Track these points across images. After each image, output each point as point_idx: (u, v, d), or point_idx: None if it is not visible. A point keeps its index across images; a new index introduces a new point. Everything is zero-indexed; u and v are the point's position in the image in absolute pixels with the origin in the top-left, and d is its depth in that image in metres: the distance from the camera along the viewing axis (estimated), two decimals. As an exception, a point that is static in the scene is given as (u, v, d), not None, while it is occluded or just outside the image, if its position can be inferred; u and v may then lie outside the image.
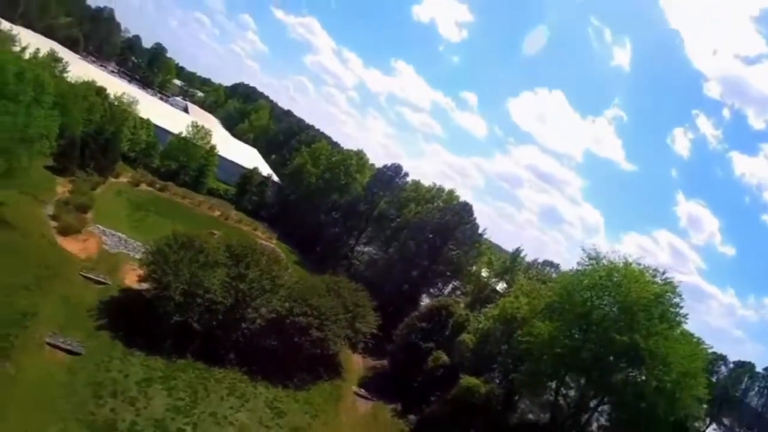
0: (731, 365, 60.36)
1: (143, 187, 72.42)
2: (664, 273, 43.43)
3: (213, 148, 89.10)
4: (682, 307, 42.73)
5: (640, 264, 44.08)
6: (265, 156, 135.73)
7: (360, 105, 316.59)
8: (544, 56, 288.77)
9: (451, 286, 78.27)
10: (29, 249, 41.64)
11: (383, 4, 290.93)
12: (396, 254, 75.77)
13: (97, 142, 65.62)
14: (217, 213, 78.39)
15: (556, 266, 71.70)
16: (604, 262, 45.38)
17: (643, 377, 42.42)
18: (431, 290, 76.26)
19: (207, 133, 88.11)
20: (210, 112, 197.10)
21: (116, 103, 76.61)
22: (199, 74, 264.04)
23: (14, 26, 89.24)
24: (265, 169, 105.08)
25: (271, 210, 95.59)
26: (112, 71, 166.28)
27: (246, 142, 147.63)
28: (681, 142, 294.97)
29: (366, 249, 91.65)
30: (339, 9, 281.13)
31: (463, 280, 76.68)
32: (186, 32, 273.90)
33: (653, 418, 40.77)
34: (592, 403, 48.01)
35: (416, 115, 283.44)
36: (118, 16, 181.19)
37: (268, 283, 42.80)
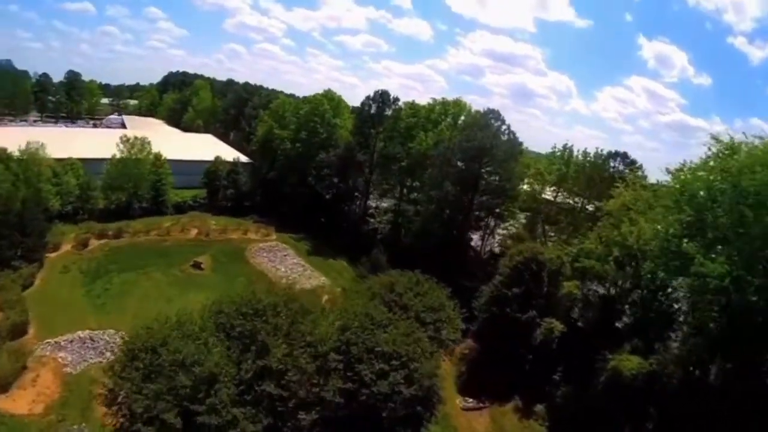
0: None
1: (94, 243, 56.23)
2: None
3: (158, 156, 71.83)
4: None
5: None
6: (224, 139, 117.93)
7: (297, 50, 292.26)
8: None
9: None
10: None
11: None
12: (426, 200, 60.76)
13: (8, 224, 48.77)
14: (194, 232, 62.76)
15: (627, 159, 55.64)
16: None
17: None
18: (481, 232, 62.07)
19: (143, 142, 70.48)
20: (150, 115, 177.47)
21: (23, 158, 59.10)
22: (126, 84, 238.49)
23: None
24: (229, 154, 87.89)
25: (254, 197, 79.63)
26: (35, 121, 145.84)
27: (198, 131, 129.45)
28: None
29: (382, 204, 76.37)
30: None
31: (513, 207, 61.69)
32: (101, 50, 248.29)
33: None
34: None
35: (356, 38, 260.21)
36: (22, 65, 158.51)
37: (307, 357, 26.47)
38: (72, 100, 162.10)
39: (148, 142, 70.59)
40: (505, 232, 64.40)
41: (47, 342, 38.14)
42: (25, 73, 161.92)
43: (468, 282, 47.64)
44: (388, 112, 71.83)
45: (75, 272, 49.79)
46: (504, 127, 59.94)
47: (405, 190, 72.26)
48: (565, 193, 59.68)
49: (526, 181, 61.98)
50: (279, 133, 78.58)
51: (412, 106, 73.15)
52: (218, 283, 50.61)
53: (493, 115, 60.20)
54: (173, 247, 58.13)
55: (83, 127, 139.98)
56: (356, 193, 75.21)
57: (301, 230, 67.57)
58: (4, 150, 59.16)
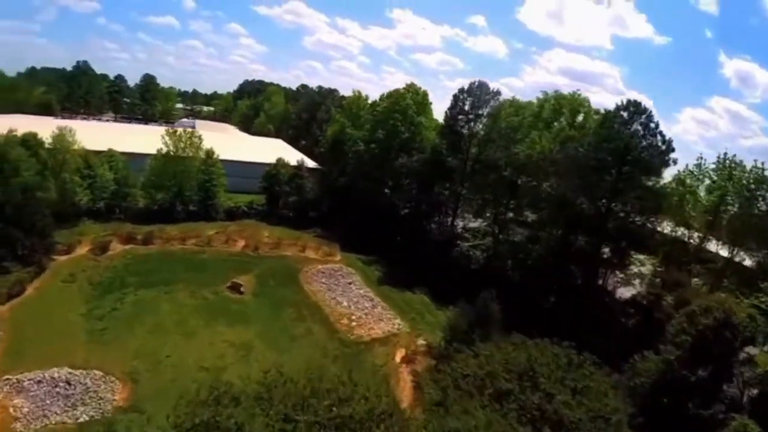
0: None
1: (116, 248, 45.51)
2: None
3: (210, 153, 61.01)
4: None
5: None
6: (295, 144, 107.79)
7: (373, 67, 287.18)
8: None
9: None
10: None
11: None
12: (540, 222, 45.59)
13: (2, 217, 38.62)
14: (240, 244, 50.57)
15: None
16: None
17: None
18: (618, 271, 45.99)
19: (192, 137, 60.02)
20: (224, 121, 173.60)
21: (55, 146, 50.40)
22: (204, 92, 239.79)
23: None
24: (295, 157, 76.27)
25: (320, 206, 66.94)
26: (107, 120, 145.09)
27: (268, 136, 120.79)
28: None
29: (471, 224, 61.19)
30: None
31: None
32: (186, 63, 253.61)
33: None
34: None
35: (431, 56, 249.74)
36: (104, 69, 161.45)
37: None
38: (146, 102, 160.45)
39: (198, 137, 60.02)
40: (636, 270, 47.55)
41: (6, 379, 27.34)
42: (104, 76, 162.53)
43: (595, 336, 32.13)
44: (485, 111, 56.96)
45: (82, 282, 39.25)
46: (652, 125, 43.71)
47: (504, 208, 56.70)
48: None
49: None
50: (352, 132, 65.94)
51: (514, 102, 57.91)
52: (258, 313, 38.37)
53: (636, 109, 44.10)
54: (212, 261, 46.06)
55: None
56: (443, 209, 60.55)
57: (372, 250, 53.62)
58: (34, 135, 50.60)
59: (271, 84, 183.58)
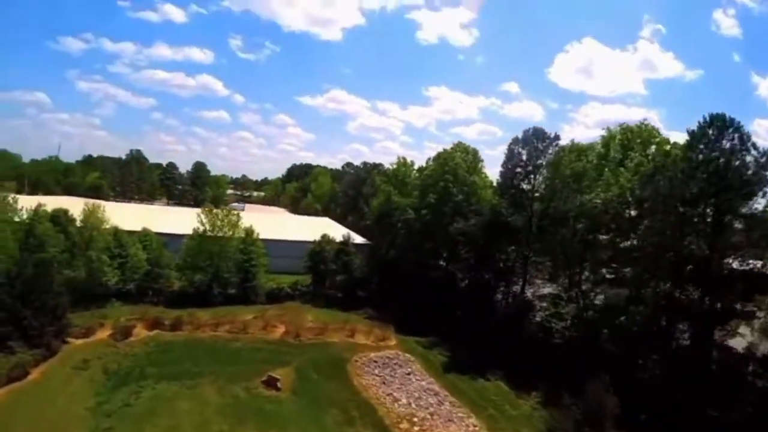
0: None
1: (140, 334, 40.47)
2: None
3: (249, 232, 56.65)
4: None
5: None
6: (342, 222, 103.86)
7: (416, 145, 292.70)
8: (558, 15, 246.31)
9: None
10: None
11: (392, 49, 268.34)
12: (636, 277, 37.26)
13: (12, 293, 34.64)
14: (280, 330, 44.20)
15: None
16: None
17: None
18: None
19: (231, 213, 56.25)
20: (273, 204, 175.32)
21: (82, 224, 48.16)
22: (254, 179, 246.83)
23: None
24: (341, 234, 71.14)
25: (369, 284, 60.29)
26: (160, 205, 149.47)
27: (316, 216, 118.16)
28: (726, 24, 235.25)
29: (542, 290, 52.77)
30: (354, 69, 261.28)
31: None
32: (238, 153, 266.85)
33: None
34: None
35: (470, 128, 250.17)
36: (160, 159, 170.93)
37: None
38: (197, 188, 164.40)
39: (236, 215, 56.08)
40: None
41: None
42: (157, 165, 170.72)
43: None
44: (544, 160, 50.35)
45: (95, 371, 34.10)
46: (745, 137, 35.84)
47: (580, 268, 48.34)
48: None
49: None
50: (399, 200, 60.54)
51: (575, 146, 51.05)
52: (296, 416, 31.33)
53: (723, 123, 36.50)
54: (246, 350, 39.70)
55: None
56: (509, 275, 52.80)
57: (432, 330, 45.94)
58: (64, 211, 49.20)
59: (318, 167, 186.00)
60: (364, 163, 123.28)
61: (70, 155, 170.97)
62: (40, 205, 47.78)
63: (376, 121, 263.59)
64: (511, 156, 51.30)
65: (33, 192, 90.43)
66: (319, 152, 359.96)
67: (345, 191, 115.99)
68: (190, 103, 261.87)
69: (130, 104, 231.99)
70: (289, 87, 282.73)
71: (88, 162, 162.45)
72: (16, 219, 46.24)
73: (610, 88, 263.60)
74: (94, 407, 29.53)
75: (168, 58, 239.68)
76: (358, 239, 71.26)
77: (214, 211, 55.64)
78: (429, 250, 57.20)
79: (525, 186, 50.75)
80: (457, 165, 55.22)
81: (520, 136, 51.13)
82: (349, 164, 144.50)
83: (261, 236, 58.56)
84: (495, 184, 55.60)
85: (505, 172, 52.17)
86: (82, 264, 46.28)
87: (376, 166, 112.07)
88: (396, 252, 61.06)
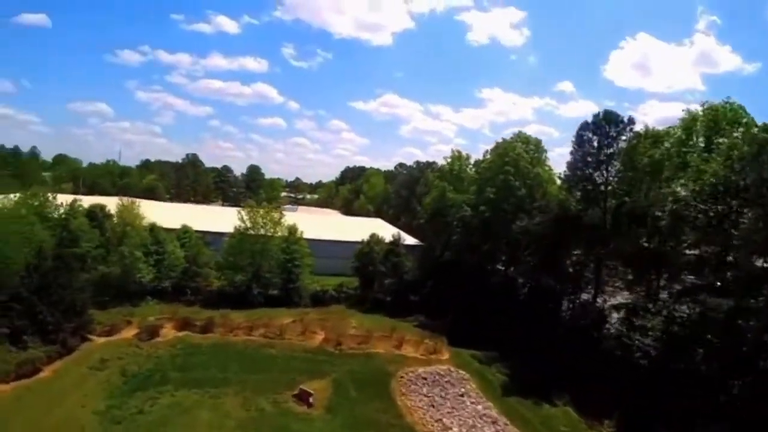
0: None
1: (168, 334, 37.90)
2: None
3: (293, 231, 53.21)
4: None
5: None
6: (394, 223, 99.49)
7: (470, 147, 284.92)
8: (610, 10, 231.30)
9: None
10: None
11: (443, 51, 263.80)
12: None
13: (30, 285, 32.72)
14: (319, 337, 40.11)
15: None
16: None
17: None
18: None
19: (275, 210, 53.11)
20: (326, 207, 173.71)
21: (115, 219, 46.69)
22: (309, 182, 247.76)
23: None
24: (392, 233, 66.65)
25: (421, 288, 55.33)
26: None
27: (368, 217, 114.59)
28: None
29: (615, 299, 45.82)
30: (405, 73, 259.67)
31: None
32: (294, 158, 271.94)
33: None
34: None
35: (525, 129, 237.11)
36: (211, 162, 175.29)
37: None
38: (252, 191, 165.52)
39: (278, 209, 52.80)
40: None
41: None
42: (213, 168, 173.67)
43: None
44: (617, 147, 43.66)
45: (113, 372, 31.59)
46: None
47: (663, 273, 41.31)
48: None
49: None
50: (454, 197, 55.27)
51: (650, 132, 44.11)
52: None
53: None
54: (280, 358, 35.98)
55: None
56: (578, 281, 46.36)
57: (490, 343, 40.38)
58: (101, 207, 48.33)
59: (371, 169, 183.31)
60: (417, 163, 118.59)
61: (130, 161, 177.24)
62: (75, 201, 46.72)
63: (429, 124, 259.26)
64: (580, 142, 44.93)
65: (89, 193, 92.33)
66: (374, 156, 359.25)
67: (397, 191, 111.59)
68: (247, 111, 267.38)
69: (189, 113, 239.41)
70: (341, 93, 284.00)
71: (146, 166, 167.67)
72: (55, 215, 45.72)
73: (668, 84, 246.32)
74: (103, 411, 26.83)
75: (223, 68, 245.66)
76: (409, 240, 66.63)
77: (253, 208, 52.62)
78: (487, 252, 51.66)
79: (597, 178, 44.24)
80: (518, 156, 49.39)
81: (589, 120, 44.82)
82: (401, 165, 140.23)
83: (307, 236, 55.21)
84: (561, 176, 49.24)
85: (573, 162, 45.87)
86: (116, 260, 45.04)
87: (430, 165, 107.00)
88: (451, 253, 55.91)
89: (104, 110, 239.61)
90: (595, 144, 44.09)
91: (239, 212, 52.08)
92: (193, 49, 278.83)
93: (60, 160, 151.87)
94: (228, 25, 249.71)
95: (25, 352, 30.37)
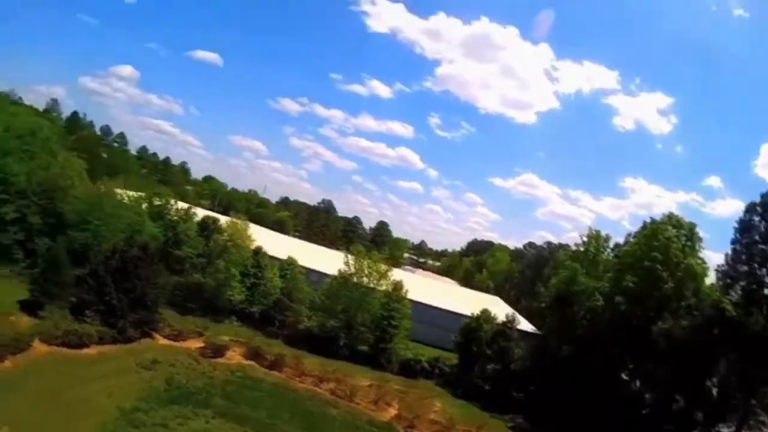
0: None
1: (233, 358, 36.37)
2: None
3: (398, 286, 49.25)
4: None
5: None
6: (514, 306, 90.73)
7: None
8: (762, 100, 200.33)
9: None
10: None
11: (587, 134, 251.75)
12: None
13: (109, 266, 33.33)
14: (390, 412, 34.57)
15: None
16: None
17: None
18: None
19: (381, 261, 49.88)
20: (446, 276, 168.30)
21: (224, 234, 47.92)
22: (434, 248, 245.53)
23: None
24: (507, 313, 59.26)
25: (528, 383, 47.06)
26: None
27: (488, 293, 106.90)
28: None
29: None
30: (547, 154, 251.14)
31: None
32: (425, 224, 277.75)
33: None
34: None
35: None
36: (344, 211, 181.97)
37: None
38: (376, 245, 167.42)
39: (381, 260, 49.56)
40: None
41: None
42: (344, 217, 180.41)
43: None
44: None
45: (158, 375, 30.34)
46: None
47: None
48: None
49: None
50: (586, 281, 47.12)
51: None
52: None
53: None
54: (339, 422, 32.01)
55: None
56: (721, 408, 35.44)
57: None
58: (214, 219, 54.04)
59: (500, 246, 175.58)
60: (548, 244, 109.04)
61: (272, 196, 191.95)
62: (191, 208, 48.96)
63: (566, 209, 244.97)
64: (744, 229, 35.87)
65: (223, 213, 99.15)
66: (504, 233, 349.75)
67: (522, 271, 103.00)
68: (388, 172, 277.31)
69: (335, 165, 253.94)
70: (481, 167, 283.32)
71: (284, 202, 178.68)
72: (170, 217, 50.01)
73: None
74: (128, 410, 25.03)
75: (372, 128, 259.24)
76: (525, 325, 58.83)
77: (362, 253, 50.03)
78: (615, 355, 42.34)
79: (764, 275, 34.27)
80: (669, 240, 40.54)
81: (751, 203, 35.59)
82: (531, 244, 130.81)
83: (412, 296, 50.99)
84: (717, 271, 39.43)
85: (734, 255, 36.42)
86: (212, 272, 46.02)
87: (562, 247, 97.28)
88: (571, 349, 47.18)
89: (259, 148, 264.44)
90: (763, 230, 34.57)
91: (346, 256, 49.98)
92: (347, 107, 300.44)
93: (208, 179, 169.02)
94: (381, 89, 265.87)
95: (77, 324, 30.86)
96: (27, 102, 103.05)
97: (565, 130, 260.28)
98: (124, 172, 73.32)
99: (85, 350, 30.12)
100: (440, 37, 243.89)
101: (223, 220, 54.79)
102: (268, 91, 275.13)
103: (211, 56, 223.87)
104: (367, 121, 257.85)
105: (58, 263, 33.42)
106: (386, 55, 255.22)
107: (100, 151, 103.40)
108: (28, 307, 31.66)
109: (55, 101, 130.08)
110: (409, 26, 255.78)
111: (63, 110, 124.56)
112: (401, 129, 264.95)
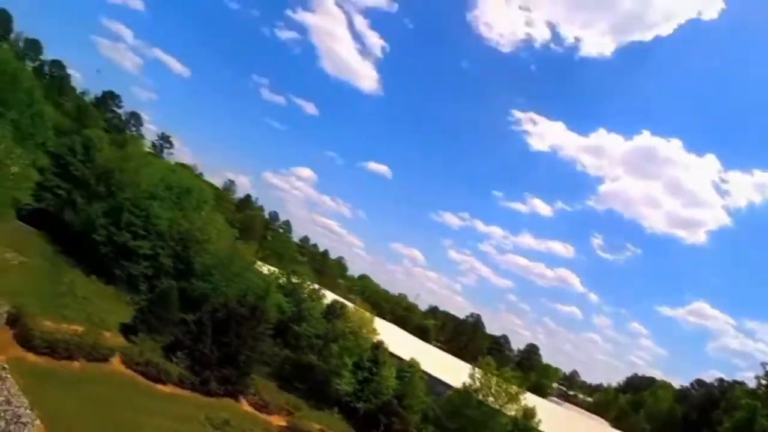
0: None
1: None
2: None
3: (531, 414, 46.84)
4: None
5: None
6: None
7: None
8: None
9: None
10: None
11: (764, 255, 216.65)
12: None
13: (213, 318, 35.60)
14: None
15: None
16: None
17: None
18: None
19: (512, 380, 47.85)
20: (598, 414, 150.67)
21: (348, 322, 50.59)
22: (587, 381, 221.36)
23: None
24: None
25: None
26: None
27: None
28: None
29: None
30: (721, 277, 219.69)
31: None
32: (581, 353, 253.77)
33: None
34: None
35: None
36: (493, 328, 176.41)
37: None
38: (522, 370, 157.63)
39: (513, 378, 47.40)
40: None
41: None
42: (491, 335, 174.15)
43: None
44: None
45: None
46: None
47: None
48: None
49: None
50: None
51: None
52: None
53: None
54: None
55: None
56: None
57: None
58: (341, 305, 56.28)
59: (662, 381, 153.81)
60: (720, 381, 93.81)
61: (422, 304, 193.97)
62: (320, 289, 52.95)
63: (741, 343, 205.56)
64: None
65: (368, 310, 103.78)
66: (668, 370, 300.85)
67: (686, 414, 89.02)
68: (546, 293, 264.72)
69: (490, 281, 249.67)
70: (648, 294, 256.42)
71: (432, 311, 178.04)
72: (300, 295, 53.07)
73: None
74: None
75: (531, 247, 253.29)
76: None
77: (491, 367, 48.31)
78: None
79: None
80: None
81: None
82: (700, 381, 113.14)
83: (544, 429, 47.74)
84: None
85: None
86: (327, 356, 45.97)
87: (739, 384, 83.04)
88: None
89: (417, 257, 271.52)
90: None
91: (473, 368, 48.97)
92: (507, 225, 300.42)
93: (362, 277, 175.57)
94: (542, 207, 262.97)
95: (163, 359, 32.30)
96: (207, 178, 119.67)
97: (739, 250, 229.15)
98: (284, 254, 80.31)
99: (160, 386, 30.87)
100: (602, 153, 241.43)
101: (352, 307, 56.64)
102: (432, 204, 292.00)
103: (381, 168, 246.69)
104: (527, 240, 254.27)
105: (167, 300, 36.34)
106: (547, 173, 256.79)
107: (265, 233, 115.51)
108: (125, 330, 34.13)
109: (231, 182, 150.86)
110: (570, 144, 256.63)
111: (238, 193, 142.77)
112: (561, 249, 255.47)
